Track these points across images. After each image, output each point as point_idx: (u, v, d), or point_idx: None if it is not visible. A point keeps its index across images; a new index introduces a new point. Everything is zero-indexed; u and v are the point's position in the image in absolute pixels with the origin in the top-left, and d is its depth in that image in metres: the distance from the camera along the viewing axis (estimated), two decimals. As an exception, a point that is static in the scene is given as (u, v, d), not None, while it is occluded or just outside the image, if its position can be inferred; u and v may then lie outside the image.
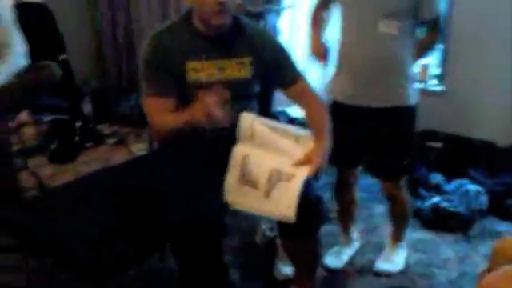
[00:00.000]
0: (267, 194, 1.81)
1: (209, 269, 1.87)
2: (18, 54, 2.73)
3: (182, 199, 1.79)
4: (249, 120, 1.91)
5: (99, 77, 4.76)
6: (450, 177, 3.15)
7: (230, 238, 2.66)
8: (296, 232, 1.86)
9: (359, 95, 2.21)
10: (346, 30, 2.21)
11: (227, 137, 1.88)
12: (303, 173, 1.80)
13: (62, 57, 4.17)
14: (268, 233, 2.61)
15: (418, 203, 2.95)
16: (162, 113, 1.91)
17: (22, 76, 2.70)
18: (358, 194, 2.64)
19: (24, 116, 3.83)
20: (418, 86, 2.35)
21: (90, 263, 1.66)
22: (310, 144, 1.89)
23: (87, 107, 4.32)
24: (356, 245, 2.64)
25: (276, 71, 2.04)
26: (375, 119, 2.22)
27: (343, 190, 2.53)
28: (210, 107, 1.69)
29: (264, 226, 2.64)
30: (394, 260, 2.51)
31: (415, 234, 2.77)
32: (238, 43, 1.98)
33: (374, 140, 2.28)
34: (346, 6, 2.19)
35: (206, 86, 1.92)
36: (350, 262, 2.56)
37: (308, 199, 1.81)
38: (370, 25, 2.10)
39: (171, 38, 1.93)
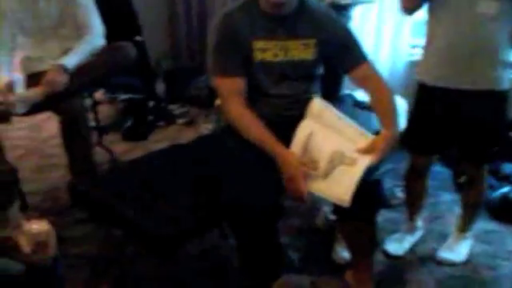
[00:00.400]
0: (326, 174, 1.81)
1: (265, 248, 1.91)
2: (97, 35, 2.87)
3: (240, 180, 1.84)
4: (319, 103, 1.94)
5: (173, 58, 4.88)
6: (523, 167, 3.03)
7: (290, 219, 2.71)
8: (353, 214, 1.87)
9: (448, 77, 2.15)
10: (438, 8, 2.12)
11: (297, 119, 1.91)
12: (366, 160, 1.79)
13: (137, 38, 4.35)
14: (330, 216, 2.62)
15: (488, 193, 2.84)
16: (233, 94, 1.94)
17: (98, 55, 2.83)
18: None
19: (100, 95, 4.03)
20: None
21: (155, 235, 1.75)
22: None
23: (160, 87, 4.47)
24: (419, 233, 2.60)
25: (340, 53, 2.03)
26: (464, 102, 2.15)
27: (415, 178, 2.47)
28: (299, 183, 1.74)
29: (326, 208, 2.66)
30: (458, 250, 2.46)
31: (482, 224, 2.68)
32: (303, 24, 1.98)
33: (460, 124, 2.21)
34: None
35: (271, 67, 1.98)
36: (412, 249, 2.53)
37: (367, 183, 1.80)
38: (467, 5, 2.02)
39: (240, 18, 1.96)
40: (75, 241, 2.57)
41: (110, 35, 3.14)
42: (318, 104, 1.94)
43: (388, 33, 3.61)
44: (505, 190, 2.84)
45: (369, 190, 1.84)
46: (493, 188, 2.90)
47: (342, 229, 2.12)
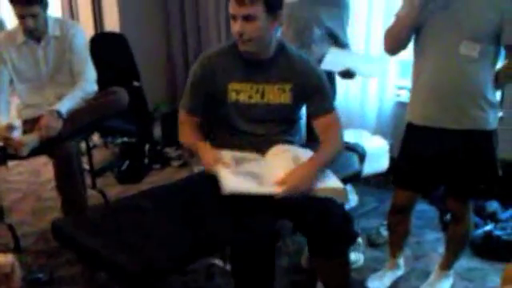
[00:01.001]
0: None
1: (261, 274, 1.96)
2: (90, 81, 2.99)
3: (233, 217, 1.91)
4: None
5: (171, 102, 5.02)
6: (507, 205, 3.06)
7: (278, 259, 2.76)
8: (324, 250, 1.93)
9: (434, 116, 2.21)
10: (423, 51, 2.21)
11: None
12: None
13: (135, 83, 4.51)
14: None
15: (471, 231, 2.88)
16: (187, 125, 2.22)
17: (92, 100, 2.95)
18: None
19: (96, 138, 4.14)
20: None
21: (129, 272, 1.81)
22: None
23: (157, 131, 4.59)
24: (400, 271, 2.63)
25: (311, 100, 2.13)
26: (450, 142, 2.20)
27: (398, 216, 2.50)
28: (211, 167, 1.99)
29: (310, 248, 2.71)
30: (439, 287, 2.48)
31: (464, 261, 2.71)
32: (279, 69, 2.09)
33: (447, 162, 2.25)
34: (428, 27, 2.15)
35: (245, 108, 2.10)
36: (394, 287, 2.56)
37: (336, 218, 1.88)
38: (451, 46, 2.09)
39: (218, 61, 2.10)
40: (65, 281, 2.64)
41: (109, 81, 3.28)
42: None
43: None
44: (488, 227, 2.87)
45: (338, 225, 1.90)
46: (477, 226, 2.92)
47: (315, 264, 2.16)
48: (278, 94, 2.11)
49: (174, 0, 4.73)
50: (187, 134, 2.21)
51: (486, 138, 2.21)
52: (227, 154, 2.07)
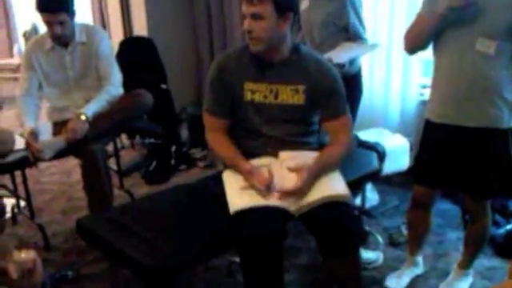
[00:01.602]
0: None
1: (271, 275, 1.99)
2: (115, 85, 3.09)
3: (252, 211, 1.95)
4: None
5: (198, 104, 5.09)
6: (530, 204, 3.02)
7: (298, 257, 2.80)
8: (336, 250, 1.96)
9: (451, 114, 2.22)
10: (441, 48, 2.22)
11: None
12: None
13: (162, 86, 4.62)
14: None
15: (493, 229, 2.86)
16: (215, 131, 2.22)
17: (117, 103, 3.04)
18: (432, 220, 2.61)
19: (124, 139, 4.25)
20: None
21: (149, 267, 1.89)
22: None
23: (184, 132, 4.68)
24: (418, 270, 2.63)
25: (324, 102, 2.16)
26: (466, 139, 2.21)
27: (418, 212, 2.51)
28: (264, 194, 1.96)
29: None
30: (458, 286, 2.48)
31: (486, 261, 2.71)
32: (294, 70, 2.12)
33: (463, 160, 2.26)
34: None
35: (260, 107, 2.15)
36: (413, 286, 2.56)
37: (346, 216, 1.92)
38: (467, 43, 2.10)
39: (234, 62, 2.16)
40: (91, 278, 2.74)
41: (137, 84, 3.37)
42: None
43: (397, 72, 3.70)
44: (510, 226, 2.84)
45: (347, 226, 1.93)
46: (498, 225, 2.90)
47: (327, 266, 2.18)
48: (291, 95, 2.14)
49: (200, 3, 4.80)
50: (221, 144, 2.20)
51: (501, 137, 2.20)
52: None
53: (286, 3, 2.01)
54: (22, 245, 2.47)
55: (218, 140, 2.21)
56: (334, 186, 2.02)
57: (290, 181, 2.00)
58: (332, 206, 1.95)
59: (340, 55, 2.89)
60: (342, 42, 2.98)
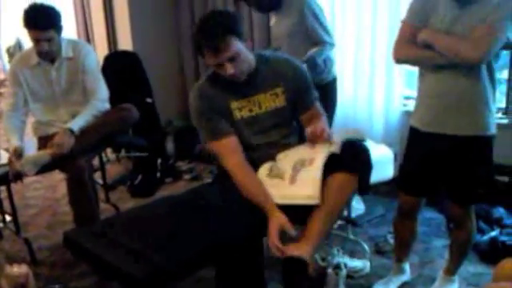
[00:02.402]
0: (293, 180, 1.98)
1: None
2: (102, 100, 3.09)
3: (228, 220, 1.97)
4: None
5: (183, 118, 5.11)
6: (513, 211, 3.08)
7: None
8: (344, 164, 1.97)
9: (437, 123, 2.25)
10: None
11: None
12: (323, 153, 1.98)
13: (148, 100, 4.62)
14: (320, 262, 2.71)
15: (477, 237, 2.90)
16: (228, 153, 2.12)
17: (102, 117, 3.04)
18: (418, 228, 2.64)
19: (109, 153, 4.24)
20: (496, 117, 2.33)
21: (137, 278, 1.89)
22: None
23: (170, 145, 4.69)
24: (405, 277, 2.66)
25: (301, 95, 2.21)
26: (451, 147, 2.24)
27: (404, 220, 2.54)
28: (276, 240, 1.86)
29: (316, 255, 2.75)
30: (444, 293, 2.51)
31: (471, 267, 2.74)
32: (267, 77, 2.17)
33: (448, 167, 2.30)
34: None
35: (251, 122, 2.18)
36: (400, 293, 2.59)
37: (355, 142, 2.03)
38: None
39: (211, 86, 2.17)
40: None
41: (122, 97, 3.38)
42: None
43: (380, 84, 3.76)
44: (494, 233, 2.89)
45: (357, 145, 2.03)
46: (483, 232, 2.95)
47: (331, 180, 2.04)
48: (272, 100, 2.19)
49: (185, 18, 4.83)
50: (244, 178, 2.06)
51: (485, 144, 2.25)
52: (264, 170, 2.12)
53: (240, 28, 2.05)
54: (10, 259, 2.45)
55: (240, 173, 2.07)
56: (309, 184, 1.95)
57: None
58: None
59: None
60: (310, 48, 3.12)
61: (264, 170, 2.10)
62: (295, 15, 3.11)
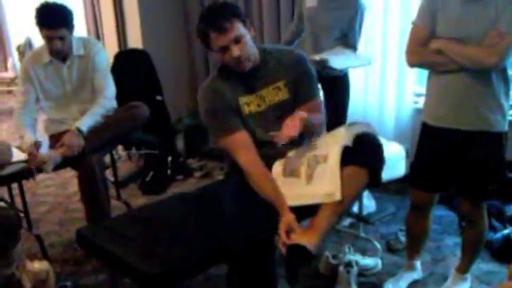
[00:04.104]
0: (309, 179, 1.97)
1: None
2: (109, 98, 3.10)
3: (240, 220, 1.96)
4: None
5: (193, 115, 5.10)
6: (527, 209, 3.05)
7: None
8: (354, 158, 1.97)
9: (446, 117, 2.25)
10: None
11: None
12: (336, 148, 1.96)
13: (158, 98, 4.63)
14: (331, 260, 2.71)
15: (490, 234, 2.89)
16: (240, 148, 2.11)
17: (113, 116, 3.06)
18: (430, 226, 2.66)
19: (120, 151, 4.25)
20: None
21: (148, 275, 1.90)
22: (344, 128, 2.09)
23: (180, 143, 4.70)
24: (416, 275, 2.65)
25: (299, 85, 2.19)
26: (461, 142, 2.24)
27: (417, 217, 2.54)
28: (284, 236, 1.88)
29: (328, 253, 2.75)
30: (456, 291, 2.50)
31: (483, 265, 2.73)
32: (270, 70, 2.18)
33: (459, 162, 2.29)
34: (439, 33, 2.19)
35: (259, 117, 2.18)
36: (411, 291, 2.58)
37: (367, 135, 2.03)
38: None
39: (220, 83, 2.17)
40: (90, 288, 2.74)
41: (133, 96, 3.38)
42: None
43: (391, 81, 3.74)
44: (507, 231, 2.87)
45: (369, 140, 2.03)
46: (495, 229, 2.93)
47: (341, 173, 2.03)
48: (275, 93, 2.19)
49: (195, 15, 4.82)
50: (258, 177, 2.06)
51: (496, 140, 2.24)
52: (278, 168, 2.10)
53: (243, 13, 2.08)
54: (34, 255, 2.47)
55: (254, 172, 2.07)
56: (327, 182, 1.95)
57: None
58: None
59: (336, 61, 3.00)
60: (337, 47, 3.10)
61: (278, 168, 2.08)
62: (345, 12, 3.07)
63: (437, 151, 2.32)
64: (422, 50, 2.22)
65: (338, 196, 1.91)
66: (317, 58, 3.02)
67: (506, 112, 2.24)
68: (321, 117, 2.26)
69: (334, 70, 3.08)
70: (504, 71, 2.18)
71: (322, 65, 3.02)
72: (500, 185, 2.32)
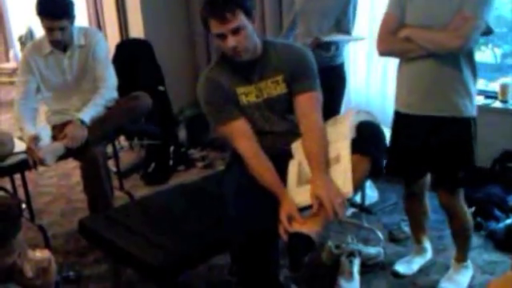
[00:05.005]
0: None
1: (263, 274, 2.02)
2: (110, 88, 3.08)
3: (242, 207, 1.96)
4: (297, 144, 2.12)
5: (195, 106, 5.08)
6: (528, 198, 3.05)
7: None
8: (356, 147, 1.97)
9: (417, 104, 2.29)
10: None
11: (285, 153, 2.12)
12: (346, 147, 1.96)
13: (160, 88, 4.62)
14: (334, 250, 2.71)
15: (493, 224, 2.89)
16: (239, 136, 2.11)
17: (115, 107, 3.05)
18: (430, 215, 2.69)
19: (122, 141, 4.25)
20: (477, 100, 2.36)
21: (150, 264, 1.90)
22: (346, 120, 2.05)
23: (182, 133, 4.69)
24: (428, 255, 2.69)
25: (297, 77, 2.16)
26: (432, 128, 2.28)
27: (413, 201, 2.60)
28: (286, 223, 1.87)
29: (330, 243, 2.75)
30: (458, 280, 2.50)
31: (486, 255, 2.73)
32: (271, 63, 2.16)
33: (430, 150, 2.33)
34: (408, 20, 2.22)
35: (257, 107, 2.17)
36: (414, 282, 2.58)
37: (368, 124, 2.03)
38: None
39: (219, 73, 2.16)
40: (93, 278, 2.76)
41: (134, 86, 3.37)
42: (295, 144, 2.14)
43: (393, 71, 3.70)
44: (509, 221, 2.87)
45: (370, 129, 2.02)
46: (498, 219, 2.92)
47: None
48: (273, 87, 2.17)
49: (197, 5, 4.81)
50: (258, 164, 2.05)
51: (464, 125, 2.27)
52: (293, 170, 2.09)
53: (250, 5, 2.04)
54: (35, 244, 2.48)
55: (253, 159, 2.07)
56: (340, 182, 1.94)
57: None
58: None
59: (328, 36, 3.07)
60: (332, 33, 3.12)
61: (293, 178, 2.04)
62: None
63: (409, 139, 2.36)
64: (392, 38, 2.26)
65: (350, 193, 1.91)
66: (308, 41, 3.05)
67: (474, 98, 2.28)
68: (318, 118, 2.16)
69: (328, 51, 3.10)
70: (471, 57, 2.23)
71: (316, 43, 3.03)
72: (470, 172, 2.35)
